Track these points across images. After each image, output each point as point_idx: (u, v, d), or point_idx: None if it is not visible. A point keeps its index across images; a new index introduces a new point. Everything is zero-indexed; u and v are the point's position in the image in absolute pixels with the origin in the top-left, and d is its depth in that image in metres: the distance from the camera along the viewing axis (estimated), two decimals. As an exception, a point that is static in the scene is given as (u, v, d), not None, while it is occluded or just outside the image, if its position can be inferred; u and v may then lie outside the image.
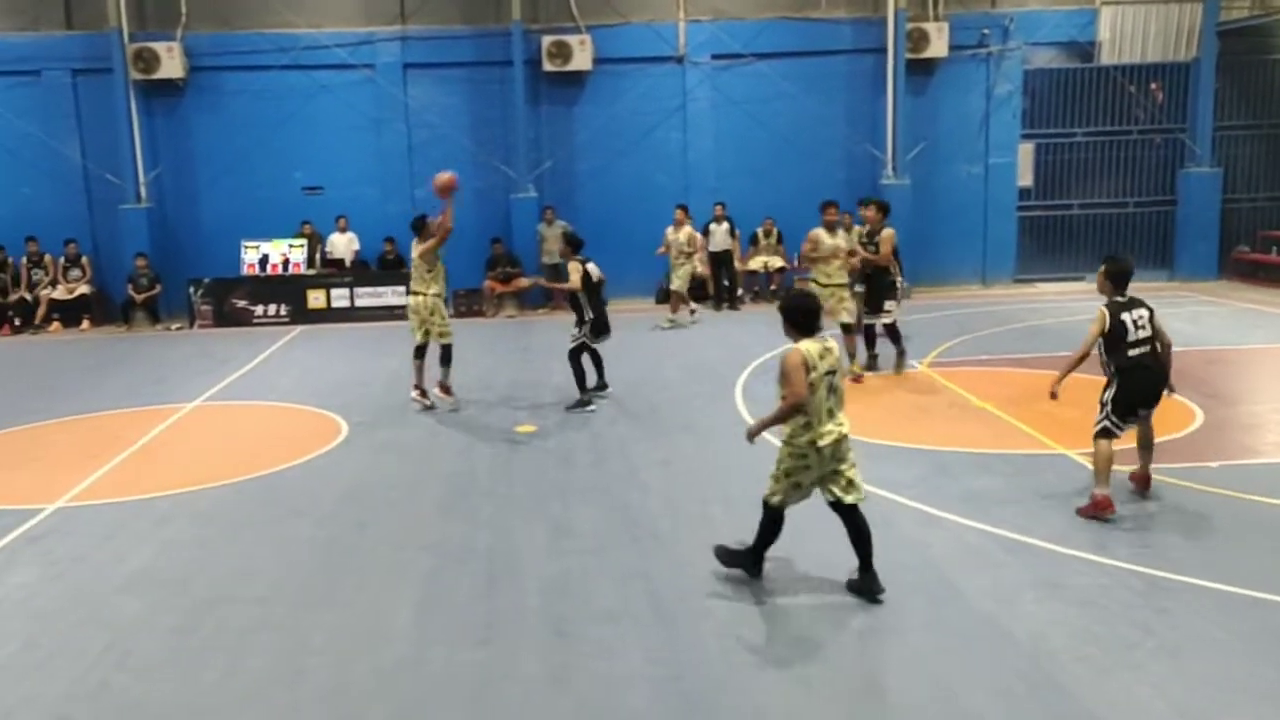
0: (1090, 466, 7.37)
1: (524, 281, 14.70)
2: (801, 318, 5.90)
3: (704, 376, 11.90)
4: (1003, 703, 4.78)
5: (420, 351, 10.73)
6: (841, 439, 5.86)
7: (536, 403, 10.95)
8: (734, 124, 18.42)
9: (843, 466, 5.91)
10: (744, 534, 6.34)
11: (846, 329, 11.41)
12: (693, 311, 16.16)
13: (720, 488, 7.97)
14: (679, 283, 15.99)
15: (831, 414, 5.84)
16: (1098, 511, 7.01)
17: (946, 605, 5.82)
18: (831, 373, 5.83)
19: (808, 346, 5.79)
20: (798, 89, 18.26)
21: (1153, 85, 18.47)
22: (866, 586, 5.92)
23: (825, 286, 11.29)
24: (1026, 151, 18.91)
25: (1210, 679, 4.92)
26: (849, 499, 5.90)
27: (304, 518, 7.62)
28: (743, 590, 6.09)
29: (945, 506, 7.36)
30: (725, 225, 17.46)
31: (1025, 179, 18.99)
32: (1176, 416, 9.44)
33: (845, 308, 11.51)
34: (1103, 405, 7.23)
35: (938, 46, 18.00)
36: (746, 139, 18.42)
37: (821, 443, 5.78)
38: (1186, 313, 15.34)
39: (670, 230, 16.29)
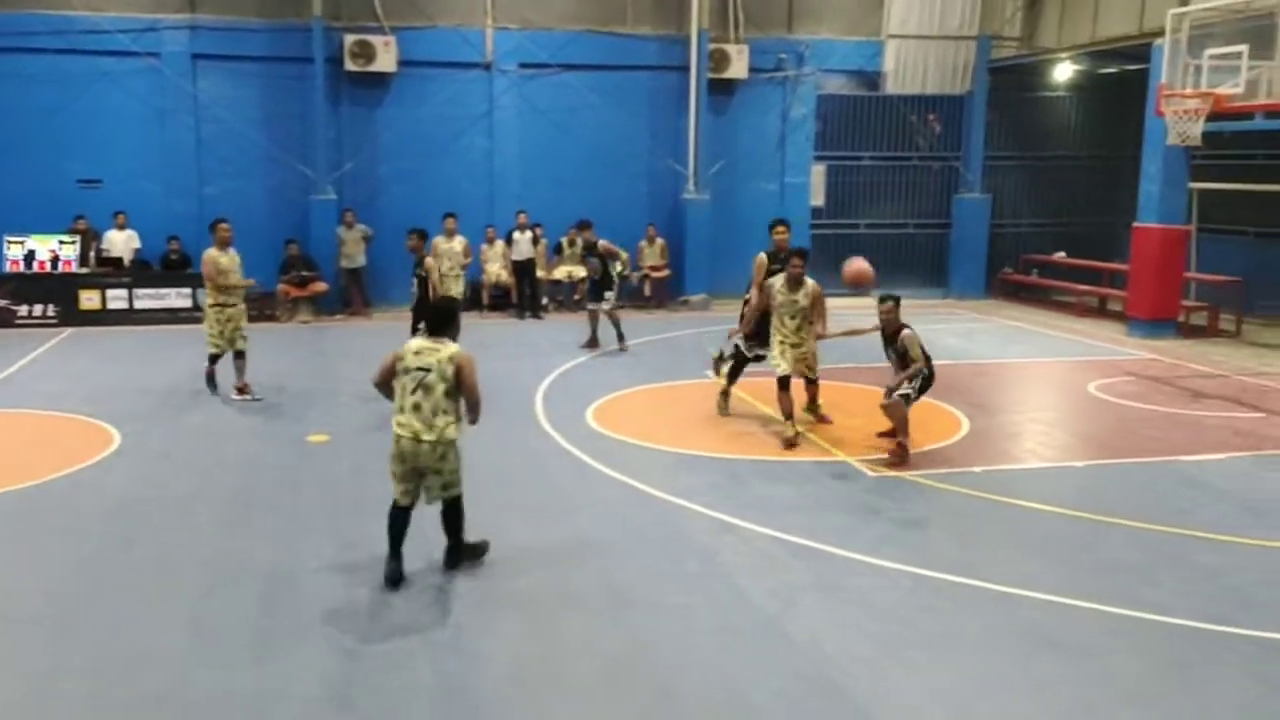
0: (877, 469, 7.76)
1: (320, 286, 14.22)
2: (425, 317, 6.74)
3: (503, 386, 11.83)
4: (782, 702, 4.97)
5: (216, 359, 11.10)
6: (418, 443, 6.08)
7: (331, 412, 10.60)
8: (540, 133, 18.44)
9: (433, 478, 6.20)
10: (535, 538, 6.34)
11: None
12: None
13: (516, 495, 7.94)
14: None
15: (417, 410, 6.06)
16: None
17: (734, 609, 5.99)
18: (424, 370, 6.04)
19: (411, 342, 6.28)
20: (603, 102, 18.47)
21: (930, 116, 19.70)
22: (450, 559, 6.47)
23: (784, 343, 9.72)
24: (819, 172, 19.80)
25: (969, 670, 5.28)
26: (428, 501, 6.30)
27: (66, 535, 7.08)
28: (535, 602, 6.08)
29: (736, 513, 7.58)
30: (529, 234, 17.44)
31: (818, 198, 19.87)
32: (945, 425, 10.10)
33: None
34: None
35: (738, 68, 18.61)
36: (552, 149, 18.46)
37: (396, 431, 6.16)
38: (959, 328, 16.44)
39: (440, 240, 15.78)
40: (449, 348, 6.10)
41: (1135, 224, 15.73)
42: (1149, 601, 6.10)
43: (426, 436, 6.07)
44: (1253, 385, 12.24)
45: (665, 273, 18.48)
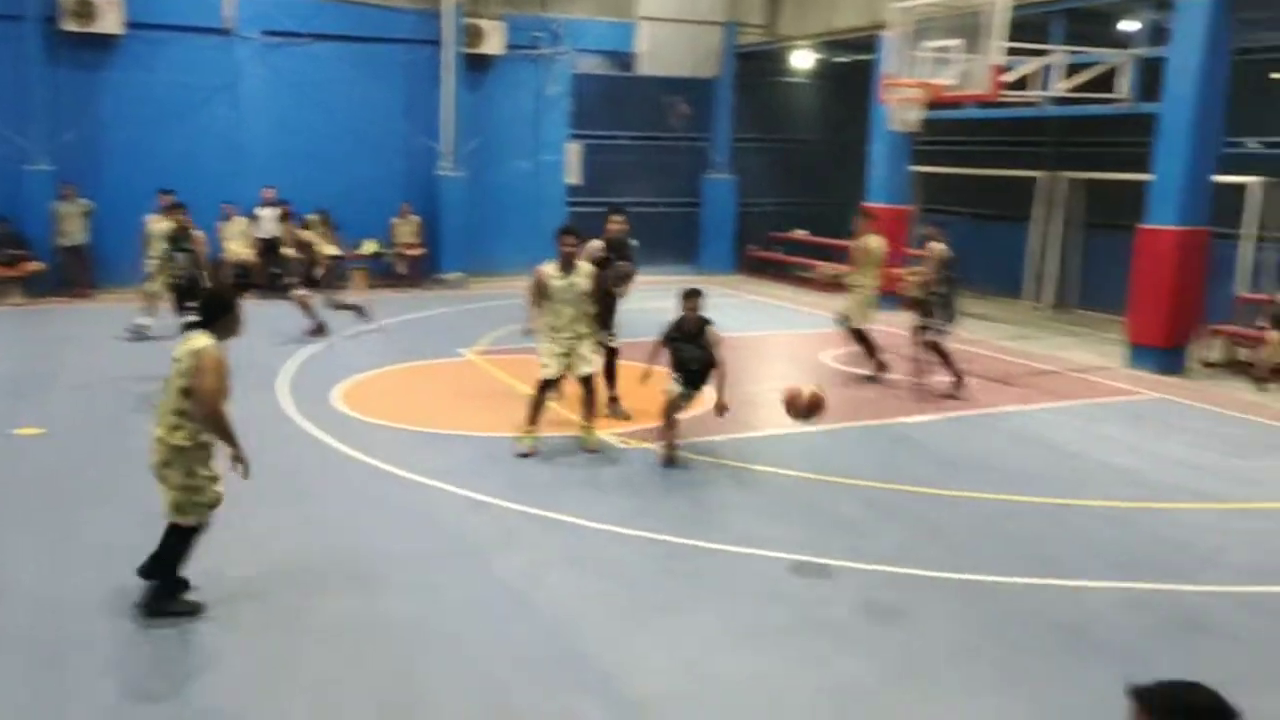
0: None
1: (33, 265, 12.94)
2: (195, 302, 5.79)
3: (243, 369, 11.28)
4: (525, 673, 5.05)
5: None
6: (156, 451, 5.39)
7: (44, 403, 9.76)
8: (290, 106, 17.55)
9: (161, 491, 5.43)
10: (275, 525, 6.11)
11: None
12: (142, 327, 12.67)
13: (255, 482, 7.60)
14: (156, 284, 12.30)
15: (157, 407, 5.52)
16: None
17: (481, 586, 6.02)
18: (175, 361, 5.39)
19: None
20: (357, 75, 17.85)
21: (677, 101, 20.21)
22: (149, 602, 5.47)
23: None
24: (575, 151, 19.97)
25: (709, 629, 5.54)
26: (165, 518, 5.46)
27: None
28: (274, 591, 5.88)
29: (490, 491, 7.59)
30: (275, 211, 16.64)
31: (573, 177, 20.04)
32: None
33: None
34: None
35: (493, 44, 18.45)
36: (303, 123, 17.63)
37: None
38: (708, 303, 17.02)
39: (152, 219, 13.35)
40: (198, 340, 5.38)
41: (864, 204, 16.82)
42: (871, 552, 6.61)
43: (155, 434, 5.45)
44: (962, 351, 13.39)
45: (420, 251, 18.15)
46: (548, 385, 8.50)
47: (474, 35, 18.25)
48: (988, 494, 7.82)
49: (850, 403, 10.65)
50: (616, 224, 9.90)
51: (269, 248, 16.68)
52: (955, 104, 13.63)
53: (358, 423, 9.34)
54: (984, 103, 13.37)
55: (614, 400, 9.75)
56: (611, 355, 9.68)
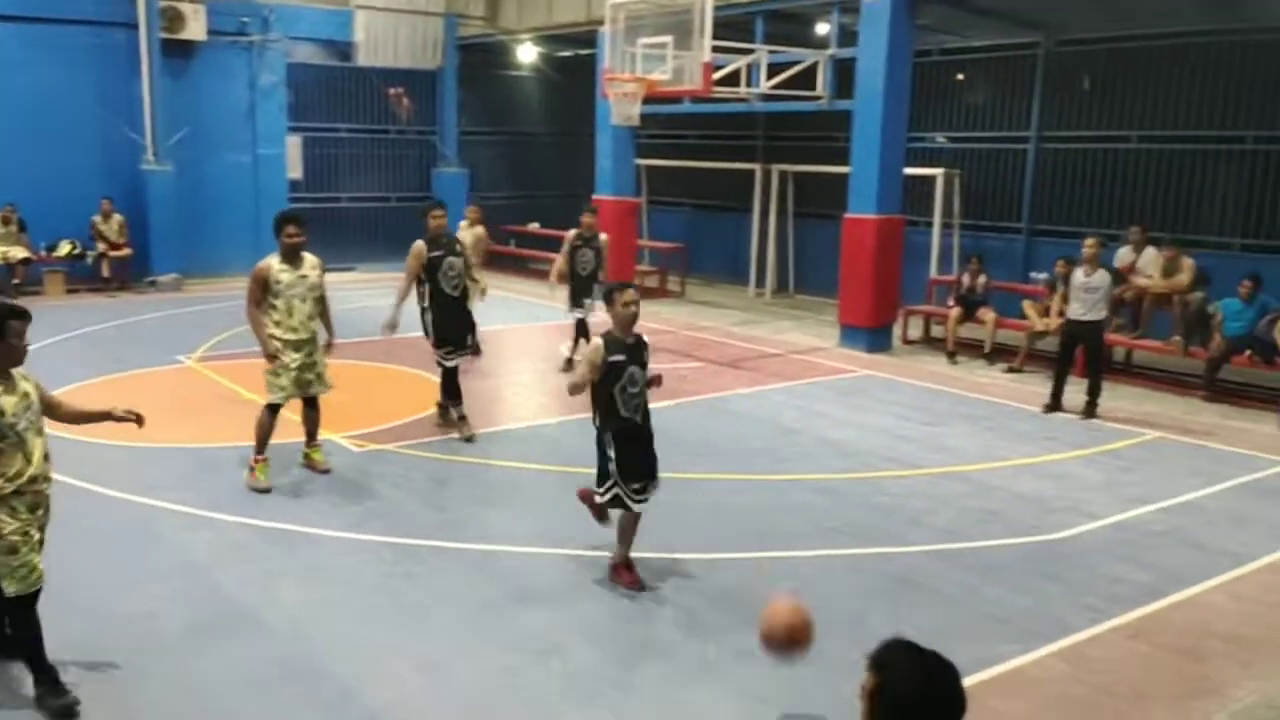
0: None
1: None
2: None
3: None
4: (255, 694, 4.81)
5: None
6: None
7: None
8: (-41, 92, 15.80)
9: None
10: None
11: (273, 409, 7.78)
12: None
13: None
14: None
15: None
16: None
17: (206, 606, 5.67)
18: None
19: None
20: (40, 59, 16.24)
21: (395, 91, 19.74)
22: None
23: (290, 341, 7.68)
24: (294, 144, 19.13)
25: (449, 631, 5.49)
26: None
27: None
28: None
29: (212, 505, 7.17)
30: None
31: (295, 171, 19.21)
32: (427, 394, 10.33)
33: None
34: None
35: (195, 29, 17.28)
36: (-28, 111, 15.91)
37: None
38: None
39: None
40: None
41: (594, 196, 17.16)
42: (610, 540, 6.75)
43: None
44: (694, 338, 13.97)
45: (126, 251, 16.79)
46: (276, 409, 7.69)
47: (173, 19, 17.03)
48: (718, 474, 8.19)
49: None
50: (437, 218, 8.90)
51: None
52: (671, 99, 14.15)
53: (62, 441, 8.52)
54: (697, 98, 13.95)
55: (462, 419, 9.04)
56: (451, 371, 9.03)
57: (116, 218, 16.68)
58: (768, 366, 12.32)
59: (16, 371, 4.65)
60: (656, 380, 6.08)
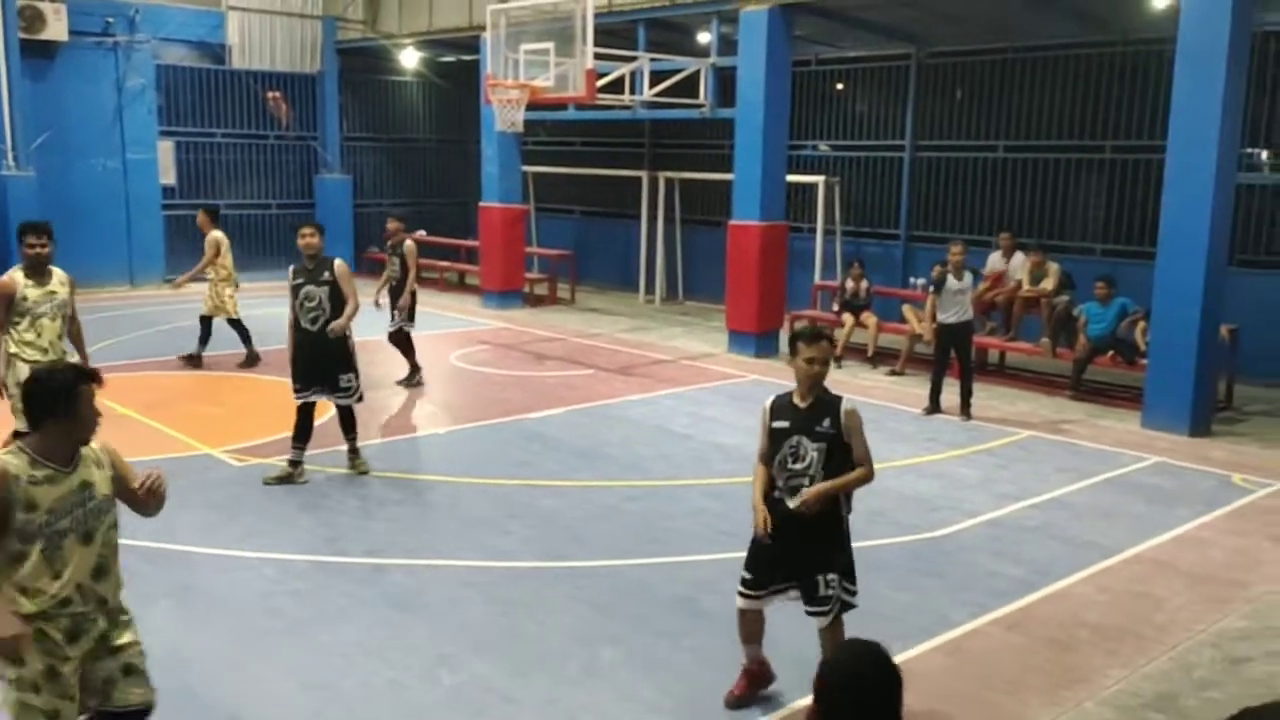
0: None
1: None
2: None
3: None
4: (133, 724, 4.61)
5: None
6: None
7: None
8: None
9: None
10: None
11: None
12: None
13: None
14: None
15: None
16: None
17: (74, 634, 5.41)
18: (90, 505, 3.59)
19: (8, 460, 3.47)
20: (-121, 57, 15.32)
21: (271, 95, 19.22)
22: None
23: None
24: (167, 149, 18.46)
25: (335, 648, 5.35)
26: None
27: None
28: None
29: (79, 527, 6.83)
30: None
31: (168, 177, 18.54)
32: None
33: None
34: None
35: (56, 29, 16.51)
36: None
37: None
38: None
39: None
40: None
41: (481, 204, 17.02)
42: (499, 550, 6.71)
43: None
44: (583, 346, 13.97)
45: (-16, 262, 15.94)
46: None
47: (33, 19, 16.25)
48: (609, 481, 8.20)
49: (483, 401, 10.73)
50: (305, 237, 8.18)
51: None
52: (555, 105, 14.13)
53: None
54: (582, 105, 13.97)
55: (353, 451, 8.27)
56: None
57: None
58: (658, 373, 12.40)
59: (89, 451, 3.62)
60: (805, 503, 4.61)
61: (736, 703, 4.85)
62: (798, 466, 4.64)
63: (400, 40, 19.28)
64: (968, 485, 8.35)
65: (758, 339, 13.44)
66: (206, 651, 5.28)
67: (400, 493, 7.87)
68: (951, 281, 10.36)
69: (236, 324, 12.17)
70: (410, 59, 20.24)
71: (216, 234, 12.28)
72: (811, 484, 4.60)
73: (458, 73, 20.96)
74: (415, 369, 11.49)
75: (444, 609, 5.86)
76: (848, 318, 13.18)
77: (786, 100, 13.55)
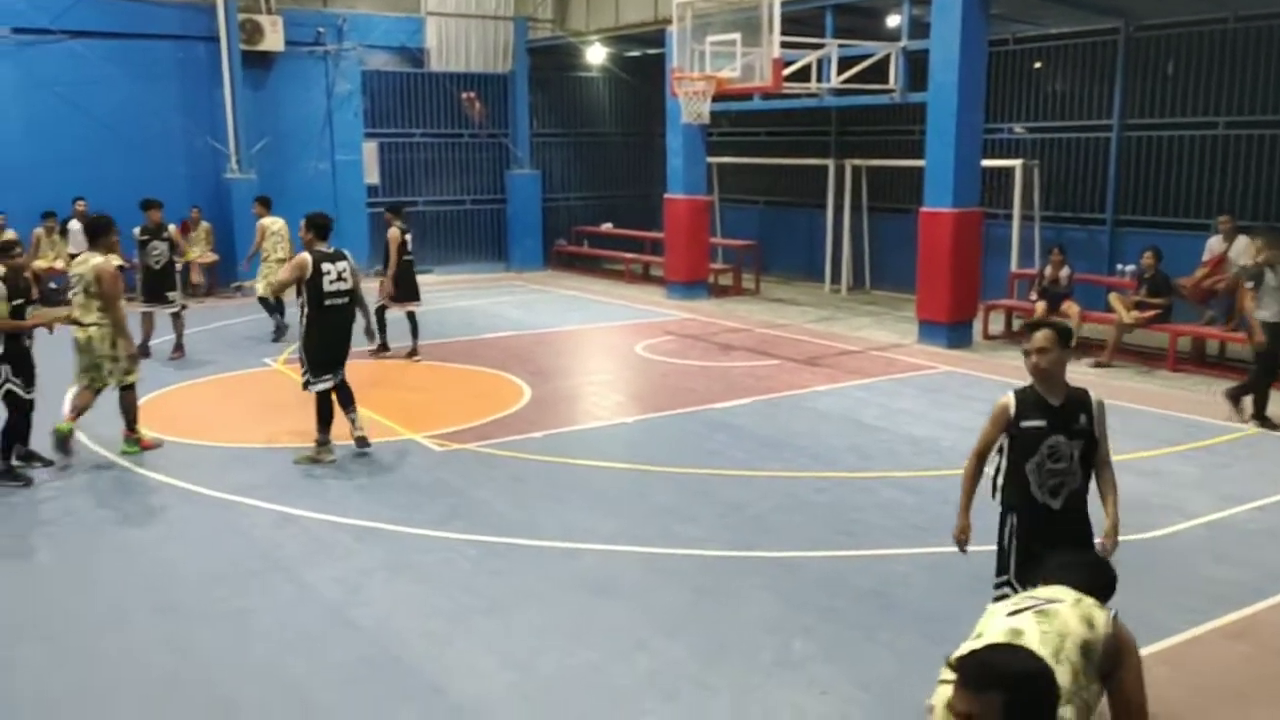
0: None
1: None
2: None
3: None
4: (348, 690, 4.89)
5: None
6: None
7: None
8: (48, 109, 16.34)
9: None
10: (65, 556, 5.64)
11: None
12: None
13: (44, 511, 7.04)
14: None
15: None
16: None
17: (295, 604, 5.79)
18: None
19: None
20: (124, 74, 16.78)
21: (466, 95, 19.93)
22: None
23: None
24: (371, 150, 19.46)
25: (533, 627, 5.52)
26: None
27: None
28: (67, 628, 5.47)
29: (299, 503, 7.32)
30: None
31: (372, 176, 19.54)
32: (507, 394, 10.44)
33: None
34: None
35: (273, 40, 17.70)
36: (65, 126, 16.42)
37: None
38: (519, 300, 17.04)
39: None
40: None
41: (666, 195, 17.15)
42: (688, 537, 6.75)
43: None
44: (769, 336, 13.88)
45: (213, 258, 17.27)
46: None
47: (252, 31, 17.47)
48: (798, 472, 8.12)
49: (668, 391, 10.84)
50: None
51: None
52: (741, 96, 14.07)
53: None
54: (768, 94, 13.84)
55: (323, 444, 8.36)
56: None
57: (204, 225, 17.13)
58: (846, 363, 12.18)
59: None
60: (1106, 546, 4.55)
61: None
62: (1059, 466, 4.49)
63: (588, 37, 19.66)
64: (1185, 484, 7.81)
65: (950, 329, 13.00)
66: (413, 625, 5.54)
67: (589, 479, 8.04)
68: (1270, 276, 9.16)
69: (265, 302, 13.45)
70: (597, 55, 20.61)
71: (268, 220, 13.77)
72: (1074, 481, 4.53)
73: (643, 67, 21.18)
74: (383, 346, 12.02)
75: (636, 594, 5.95)
76: (1041, 306, 12.57)
77: (982, 82, 13.03)
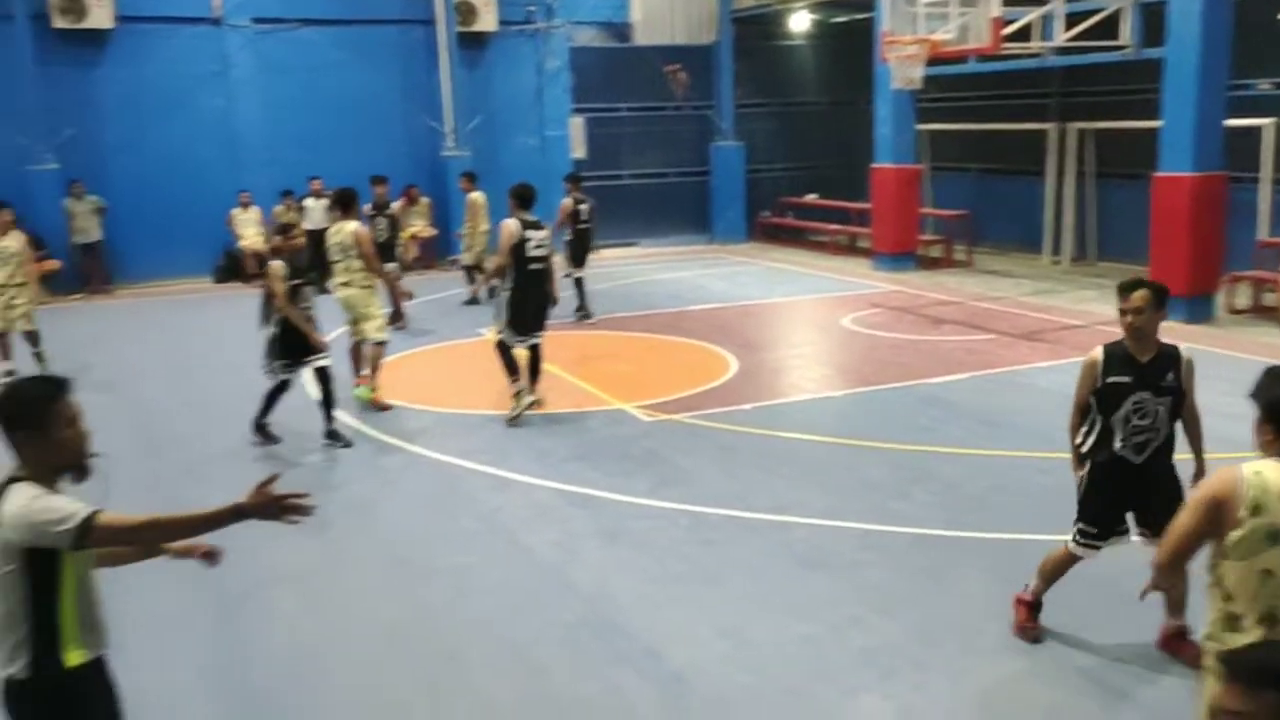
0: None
1: (53, 264, 13.07)
2: None
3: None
4: (567, 650, 5.05)
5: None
6: None
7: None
8: (283, 93, 17.50)
9: None
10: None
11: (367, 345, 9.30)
12: None
13: (281, 465, 7.59)
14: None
15: None
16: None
17: (515, 564, 6.02)
18: None
19: None
20: (350, 58, 17.76)
21: (669, 67, 19.96)
22: None
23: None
24: (578, 125, 19.84)
25: (744, 597, 5.53)
26: None
27: None
28: (311, 575, 5.89)
29: (516, 467, 7.59)
30: (324, 202, 16.41)
31: (579, 151, 19.91)
32: (715, 366, 10.46)
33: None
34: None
35: (487, 20, 18.32)
36: (298, 109, 17.57)
37: None
38: (723, 272, 17.02)
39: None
40: None
41: (873, 165, 16.69)
42: (901, 515, 6.58)
43: None
44: (983, 310, 13.32)
45: (431, 233, 18.08)
46: None
47: (466, 13, 18.12)
48: (1017, 451, 7.77)
49: (877, 365, 10.59)
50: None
51: (316, 239, 16.50)
52: (957, 59, 13.49)
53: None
54: (985, 56, 13.21)
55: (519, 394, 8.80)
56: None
57: (424, 201, 17.94)
58: (1069, 339, 11.55)
59: None
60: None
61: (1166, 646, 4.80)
62: (1144, 423, 4.60)
63: (794, 4, 19.31)
64: None
65: (1189, 302, 12.07)
66: (628, 589, 5.65)
67: (799, 452, 7.95)
68: None
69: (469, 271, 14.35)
70: (801, 22, 20.24)
71: (476, 195, 14.44)
72: (1158, 438, 4.62)
73: (849, 32, 20.63)
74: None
75: (848, 569, 5.85)
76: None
77: (1227, 35, 11.97)
